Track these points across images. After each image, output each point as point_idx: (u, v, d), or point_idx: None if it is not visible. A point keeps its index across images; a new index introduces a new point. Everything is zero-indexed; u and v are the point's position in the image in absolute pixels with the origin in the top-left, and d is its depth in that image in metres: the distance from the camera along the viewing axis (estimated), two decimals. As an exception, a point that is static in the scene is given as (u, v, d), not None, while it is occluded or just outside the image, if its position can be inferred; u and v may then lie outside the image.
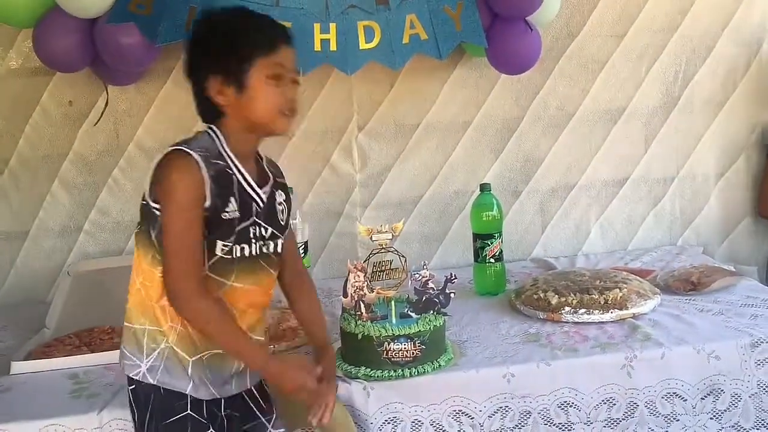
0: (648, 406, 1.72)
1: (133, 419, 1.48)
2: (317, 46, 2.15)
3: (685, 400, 1.72)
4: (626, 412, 1.72)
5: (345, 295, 1.73)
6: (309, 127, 2.44)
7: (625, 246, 2.61)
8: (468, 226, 2.27)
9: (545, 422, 1.70)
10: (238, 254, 1.42)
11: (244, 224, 1.42)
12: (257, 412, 1.54)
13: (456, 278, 1.74)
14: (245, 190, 1.43)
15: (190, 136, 1.43)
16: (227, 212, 1.39)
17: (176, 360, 1.42)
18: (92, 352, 1.93)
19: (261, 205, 1.46)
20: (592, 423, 1.71)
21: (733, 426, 1.73)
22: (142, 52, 2.09)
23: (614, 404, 1.71)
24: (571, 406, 1.70)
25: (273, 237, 1.49)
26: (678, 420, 1.72)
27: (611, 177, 2.57)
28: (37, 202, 2.41)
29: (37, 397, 1.72)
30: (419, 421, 1.68)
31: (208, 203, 1.36)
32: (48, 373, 1.84)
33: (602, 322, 1.90)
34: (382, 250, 1.83)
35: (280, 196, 1.53)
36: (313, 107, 2.44)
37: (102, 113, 2.30)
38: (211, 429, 1.44)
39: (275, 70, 1.39)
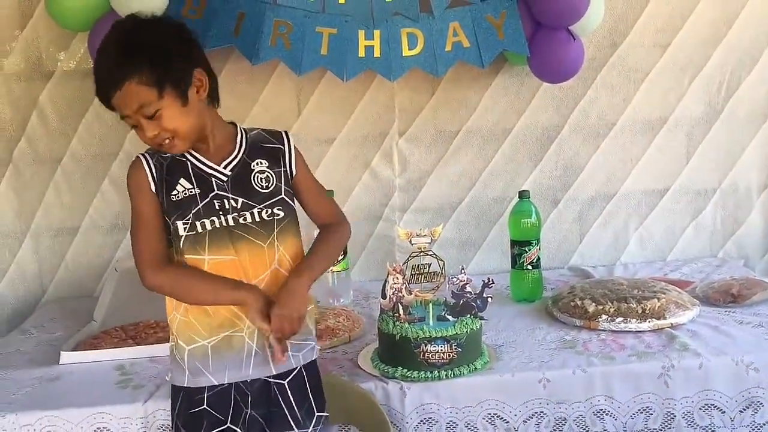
0: (686, 417, 1.71)
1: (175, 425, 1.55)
2: (361, 53, 2.19)
3: (723, 412, 1.71)
4: (663, 423, 1.71)
5: (384, 296, 1.76)
6: (351, 131, 2.48)
7: (664, 257, 2.60)
8: (505, 233, 2.29)
9: (581, 430, 1.71)
10: (208, 227, 1.45)
11: (205, 200, 1.47)
12: (292, 421, 1.52)
13: (493, 282, 1.76)
14: (200, 167, 1.49)
15: None
16: (176, 195, 1.46)
17: (176, 351, 1.49)
18: (137, 345, 1.99)
19: (222, 178, 1.49)
20: (627, 432, 1.71)
21: (772, 440, 1.72)
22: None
23: (651, 414, 1.71)
24: (607, 414, 1.71)
25: (247, 207, 1.48)
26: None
27: (651, 187, 2.56)
28: (87, 200, 2.48)
29: (85, 387, 1.78)
30: (454, 423, 1.70)
31: (153, 187, 1.46)
32: (95, 364, 1.90)
33: (639, 331, 1.90)
34: (421, 254, 1.86)
35: (258, 165, 1.53)
36: (355, 112, 2.47)
37: (151, 114, 2.36)
38: (230, 425, 1.48)
39: (123, 111, 1.46)
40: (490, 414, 1.70)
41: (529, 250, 2.20)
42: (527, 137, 2.52)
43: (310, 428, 1.54)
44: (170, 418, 1.56)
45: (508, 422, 1.70)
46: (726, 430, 1.71)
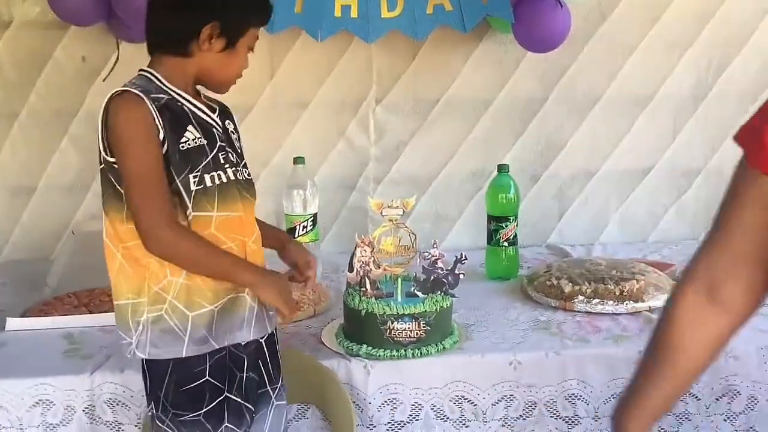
0: (659, 403, 1.65)
1: (146, 389, 1.40)
2: (337, 12, 2.07)
3: (699, 399, 1.65)
4: (636, 409, 1.64)
5: (350, 269, 1.68)
6: (325, 96, 2.37)
7: (644, 238, 2.53)
8: (483, 209, 2.21)
9: (551, 414, 1.64)
10: (217, 181, 1.34)
11: (213, 151, 1.36)
12: (266, 379, 1.47)
13: (466, 259, 1.67)
14: (202, 117, 1.37)
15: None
16: (185, 142, 1.32)
17: (171, 320, 1.33)
18: (90, 313, 1.89)
19: (220, 130, 1.40)
20: (600, 418, 1.64)
21: (747, 430, 1.66)
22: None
23: (624, 399, 1.64)
24: (579, 399, 1.64)
25: (240, 162, 1.43)
26: (690, 420, 1.65)
27: (635, 166, 2.48)
28: (45, 158, 2.36)
29: (31, 355, 1.68)
30: (419, 405, 1.62)
31: (161, 135, 1.28)
32: (43, 332, 1.80)
33: (616, 314, 1.83)
34: (392, 226, 1.76)
35: (229, 125, 1.45)
36: (330, 76, 2.36)
37: (111, 69, 2.23)
38: (227, 393, 1.38)
39: (254, 43, 1.41)
40: (457, 396, 1.63)
41: (506, 226, 2.11)
42: (509, 109, 2.43)
43: (279, 384, 1.49)
44: (145, 396, 1.41)
45: (476, 405, 1.63)
46: (700, 417, 1.65)
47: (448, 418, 1.63)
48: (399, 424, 1.62)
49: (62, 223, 2.38)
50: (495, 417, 1.63)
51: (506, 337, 1.72)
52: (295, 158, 2.09)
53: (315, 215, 2.19)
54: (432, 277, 1.67)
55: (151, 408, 1.38)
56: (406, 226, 1.77)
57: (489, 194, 2.15)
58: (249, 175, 1.45)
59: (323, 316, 1.88)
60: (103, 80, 2.26)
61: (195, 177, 1.31)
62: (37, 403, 1.57)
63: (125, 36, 2.21)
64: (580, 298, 1.87)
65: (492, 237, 2.14)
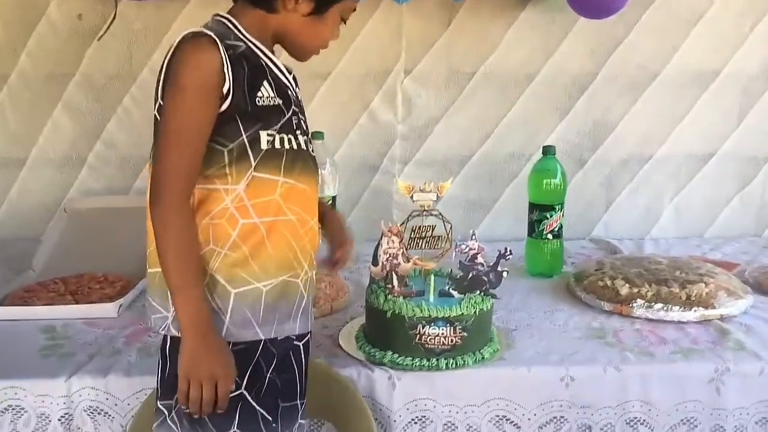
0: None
1: (160, 371, 1.17)
2: (365, -34, 1.81)
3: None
4: (709, 437, 1.40)
5: (375, 263, 1.43)
6: (348, 65, 2.12)
7: (701, 233, 2.27)
8: (521, 195, 1.97)
9: (609, 440, 1.39)
10: (287, 146, 1.16)
11: (288, 113, 1.18)
12: (297, 390, 1.23)
13: (511, 254, 1.42)
14: (278, 75, 1.19)
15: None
16: (261, 98, 1.14)
17: (210, 296, 1.12)
18: (76, 302, 1.67)
19: (295, 93, 1.22)
20: (666, 447, 1.39)
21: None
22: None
23: (695, 426, 1.39)
24: (642, 424, 1.38)
25: (309, 135, 1.25)
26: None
27: (694, 151, 2.22)
28: (37, 127, 2.14)
29: (2, 352, 1.45)
30: (452, 425, 1.38)
31: (226, 87, 1.10)
32: (21, 323, 1.57)
33: (682, 322, 1.57)
34: (424, 213, 1.52)
35: (300, 92, 1.27)
36: (355, 43, 2.11)
37: (108, 27, 2.00)
38: (244, 391, 1.14)
39: (348, 15, 1.25)
40: (497, 416, 1.38)
41: (551, 216, 1.86)
42: (554, 85, 2.17)
43: (305, 401, 1.24)
44: (157, 380, 1.18)
45: (519, 427, 1.38)
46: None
47: (486, 441, 1.38)
48: (428, 446, 1.38)
49: (54, 199, 2.16)
50: (542, 442, 1.38)
51: (555, 347, 1.47)
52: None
53: (334, 198, 1.95)
54: (470, 275, 1.42)
55: (157, 395, 1.17)
56: (440, 214, 1.52)
57: (532, 179, 1.90)
58: (315, 138, 1.28)
59: (341, 314, 1.64)
60: (98, 39, 2.02)
61: (270, 136, 1.14)
62: (6, 409, 1.34)
63: (125, -9, 1.97)
64: (640, 302, 1.61)
65: (534, 228, 1.88)
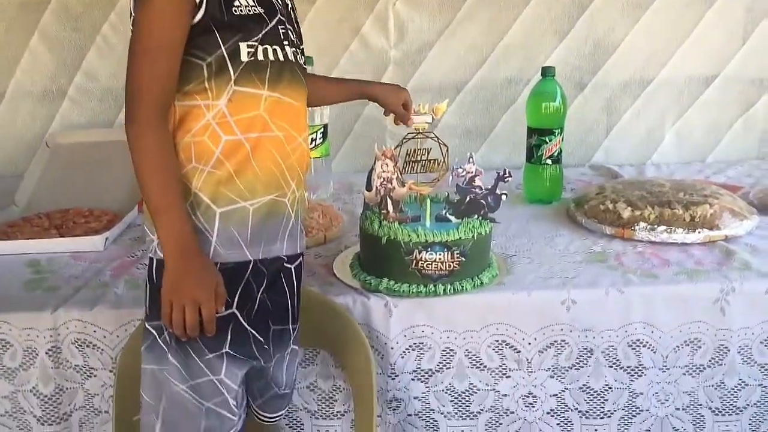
0: (742, 352, 1.37)
1: (148, 292, 1.12)
2: None
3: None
4: (713, 359, 1.37)
5: (369, 188, 1.38)
6: (338, -13, 2.02)
7: (703, 157, 2.21)
8: (519, 122, 1.90)
9: (610, 364, 1.36)
10: (271, 57, 1.10)
11: (271, 22, 1.10)
12: (289, 315, 1.19)
13: (510, 176, 1.37)
14: None
15: None
16: (239, 6, 1.07)
17: (194, 216, 1.08)
18: (61, 236, 1.61)
19: (281, 2, 1.14)
20: (669, 369, 1.36)
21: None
22: None
23: (699, 347, 1.36)
24: (644, 347, 1.35)
25: (299, 44, 1.18)
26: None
27: (698, 73, 2.14)
28: (13, 60, 2.06)
29: (-14, 287, 1.41)
30: (451, 350, 1.35)
31: None
32: (6, 258, 1.53)
33: (686, 244, 1.53)
34: (418, 136, 1.46)
35: (290, 2, 1.20)
36: (344, -37, 2.01)
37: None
38: (235, 310, 1.10)
39: None
40: (497, 341, 1.34)
41: (550, 140, 1.79)
42: (552, 5, 2.08)
43: (297, 326, 1.21)
44: (146, 305, 1.12)
45: (519, 351, 1.35)
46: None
47: (485, 366, 1.35)
48: (427, 372, 1.35)
49: (35, 133, 2.08)
50: (542, 366, 1.35)
51: (555, 271, 1.43)
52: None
53: (325, 126, 1.88)
54: (468, 198, 1.37)
55: (146, 316, 1.12)
56: (436, 137, 1.46)
57: (530, 103, 1.83)
58: (305, 63, 1.20)
59: (335, 244, 1.60)
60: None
61: (250, 47, 1.08)
62: (-9, 344, 1.31)
63: None
64: (642, 225, 1.57)
65: (533, 153, 1.82)
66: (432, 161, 1.49)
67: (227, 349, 1.09)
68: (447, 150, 1.48)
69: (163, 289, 1.05)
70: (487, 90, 2.13)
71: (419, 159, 1.48)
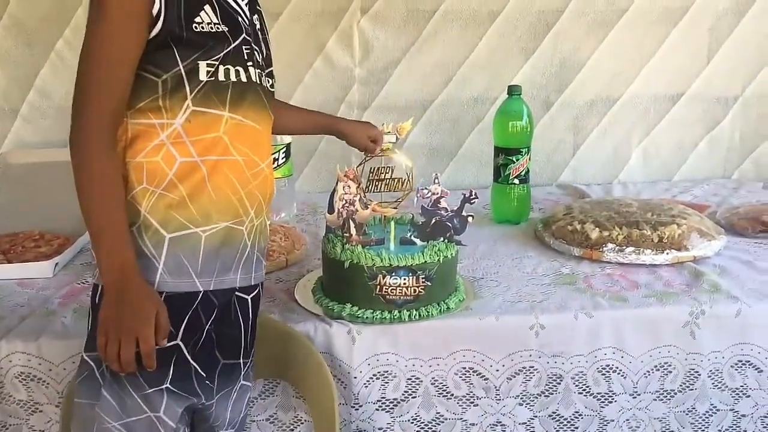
0: (713, 376, 1.34)
1: (90, 321, 1.06)
2: None
3: (761, 371, 1.34)
4: (684, 383, 1.34)
5: (331, 210, 1.33)
6: (301, 4, 1.99)
7: (670, 176, 2.21)
8: (486, 140, 1.89)
9: (580, 390, 1.32)
10: (233, 78, 1.05)
11: (235, 41, 1.05)
12: (241, 347, 1.13)
13: (476, 197, 1.33)
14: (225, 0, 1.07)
15: None
16: (200, 23, 1.02)
17: (145, 241, 1.02)
18: (9, 262, 1.54)
19: (247, 21, 1.09)
20: (639, 395, 1.33)
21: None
22: None
23: (670, 372, 1.33)
24: (614, 372, 1.32)
25: (267, 66, 1.14)
26: (749, 396, 1.35)
27: (663, 92, 2.14)
28: (-38, 75, 1.98)
29: (-75, 317, 1.33)
30: (417, 379, 1.30)
31: (156, 8, 0.98)
32: (-53, 287, 1.44)
33: (655, 265, 1.50)
34: (382, 155, 1.42)
35: (258, 22, 1.15)
36: (306, -21, 1.97)
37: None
38: (180, 342, 1.04)
39: None
40: (464, 368, 1.30)
41: (517, 160, 1.77)
42: (518, 23, 2.07)
43: (250, 361, 1.15)
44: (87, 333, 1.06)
45: (487, 379, 1.30)
46: (762, 393, 1.35)
47: (452, 395, 1.31)
48: (392, 402, 1.30)
49: (-14, 153, 2.00)
50: (511, 394, 1.31)
51: (523, 294, 1.39)
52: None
53: (288, 146, 1.84)
54: (433, 220, 1.32)
55: (85, 347, 1.05)
56: (399, 153, 1.42)
57: (497, 122, 1.80)
58: (273, 87, 1.15)
59: (297, 267, 1.54)
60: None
61: (210, 66, 1.03)
62: (-73, 379, 1.23)
63: None
64: (610, 246, 1.54)
65: (500, 173, 1.79)
66: (396, 180, 1.45)
67: (168, 385, 1.02)
68: (411, 168, 1.45)
69: (100, 319, 0.98)
70: (453, 108, 2.11)
71: (383, 177, 1.45)
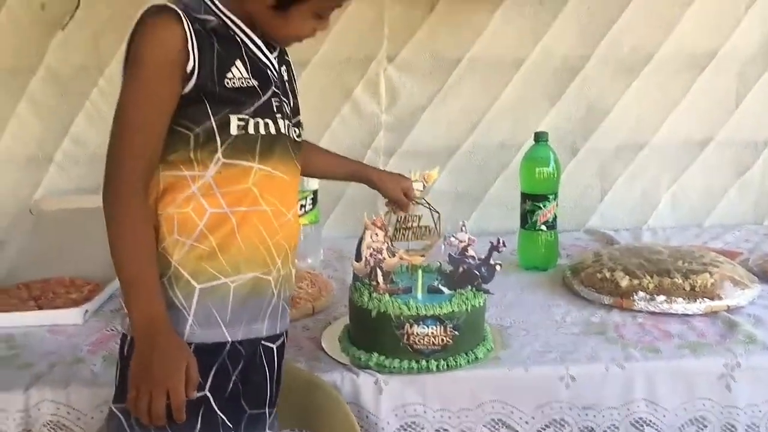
0: (750, 430, 1.30)
1: (118, 371, 1.07)
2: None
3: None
4: (720, 438, 1.30)
5: (358, 258, 1.33)
6: (329, 52, 2.02)
7: (700, 222, 2.18)
8: (512, 186, 1.88)
9: (613, 444, 1.29)
10: (262, 131, 1.06)
11: (265, 95, 1.07)
12: (266, 397, 1.12)
13: (504, 246, 1.33)
14: (255, 53, 1.08)
15: None
16: (232, 78, 1.04)
17: (176, 292, 1.03)
18: (39, 308, 1.55)
19: (276, 74, 1.11)
20: (674, 449, 1.30)
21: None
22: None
23: (705, 426, 1.30)
24: (648, 425, 1.29)
25: (294, 116, 1.15)
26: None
27: (691, 137, 2.13)
28: (0, 125, 2.02)
29: (-44, 364, 1.34)
30: (445, 431, 1.28)
31: (191, 65, 1.00)
32: (-21, 333, 1.46)
33: (688, 315, 1.48)
34: (411, 203, 1.42)
35: (286, 73, 1.17)
36: (334, 29, 1.99)
37: (71, 15, 1.89)
38: (208, 393, 1.04)
39: (327, 12, 1.10)
40: (493, 420, 1.28)
41: (545, 206, 1.76)
42: (544, 70, 2.08)
43: (275, 410, 1.14)
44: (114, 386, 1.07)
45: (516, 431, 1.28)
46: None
47: (481, 447, 1.28)
48: (419, 454, 1.28)
49: (19, 201, 2.04)
50: (541, 447, 1.28)
51: (553, 344, 1.37)
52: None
53: (315, 192, 1.85)
54: (461, 269, 1.32)
55: (114, 398, 1.06)
56: (427, 203, 1.43)
57: (524, 168, 1.80)
58: (299, 136, 1.16)
59: (323, 315, 1.54)
60: (62, 29, 1.91)
61: (241, 120, 1.05)
62: (-42, 426, 1.23)
63: (90, -23, 1.86)
64: (641, 294, 1.52)
65: (527, 219, 1.79)
66: (423, 228, 1.45)
67: None
68: (439, 217, 1.45)
69: (131, 372, 0.99)
70: (479, 154, 2.11)
71: (410, 226, 1.45)
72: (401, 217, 1.41)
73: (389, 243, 1.33)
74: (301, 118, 1.19)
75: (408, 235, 1.42)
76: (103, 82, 2.00)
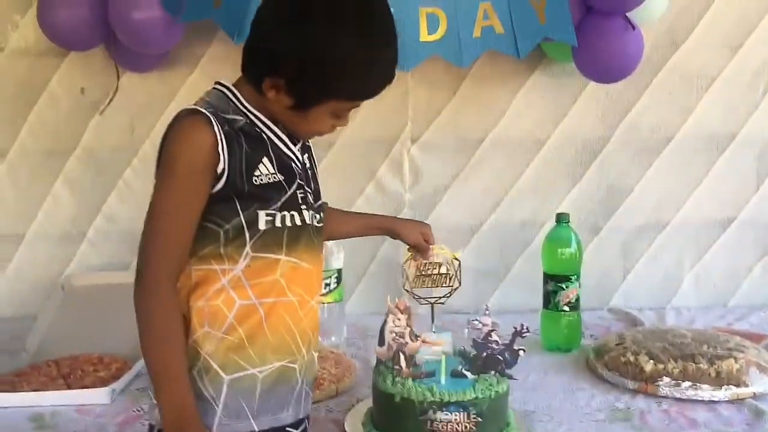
0: None
1: None
2: (369, 35, 1.78)
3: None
4: None
5: (381, 343, 1.34)
6: (354, 133, 2.07)
7: (724, 302, 2.16)
8: (534, 265, 1.89)
9: None
10: (288, 223, 1.10)
11: (291, 190, 1.11)
12: None
13: (528, 331, 1.33)
14: (280, 149, 1.12)
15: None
16: (260, 176, 1.08)
17: (205, 384, 1.06)
18: (68, 386, 1.58)
19: (299, 165, 1.15)
20: None
21: None
22: (162, 30, 1.77)
23: None
24: None
25: (316, 201, 1.18)
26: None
27: (713, 217, 2.14)
28: (36, 203, 2.08)
29: (-15, 444, 1.37)
30: None
31: (221, 167, 1.04)
32: (8, 411, 1.48)
33: (713, 402, 1.46)
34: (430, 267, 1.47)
35: (308, 160, 1.20)
36: (360, 110, 2.02)
37: (110, 100, 1.98)
38: None
39: (347, 109, 1.15)
40: None
41: (567, 287, 1.77)
42: (565, 150, 2.11)
43: None
44: None
45: None
46: None
47: None
48: None
49: (52, 276, 2.09)
50: None
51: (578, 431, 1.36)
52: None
53: (339, 271, 1.88)
54: (485, 354, 1.33)
55: None
56: (447, 250, 1.47)
57: (546, 249, 1.82)
58: (320, 221, 1.19)
59: (347, 396, 1.54)
60: (100, 113, 2.00)
61: (269, 215, 1.08)
62: None
63: (127, 63, 1.96)
64: (666, 379, 1.51)
65: (549, 300, 1.79)
66: (443, 275, 1.48)
67: None
68: (459, 264, 1.47)
69: None
70: (501, 233, 2.13)
71: (430, 273, 1.48)
72: (421, 265, 1.44)
73: (411, 328, 1.35)
74: (324, 197, 1.22)
75: (428, 283, 1.45)
76: (136, 162, 2.07)
